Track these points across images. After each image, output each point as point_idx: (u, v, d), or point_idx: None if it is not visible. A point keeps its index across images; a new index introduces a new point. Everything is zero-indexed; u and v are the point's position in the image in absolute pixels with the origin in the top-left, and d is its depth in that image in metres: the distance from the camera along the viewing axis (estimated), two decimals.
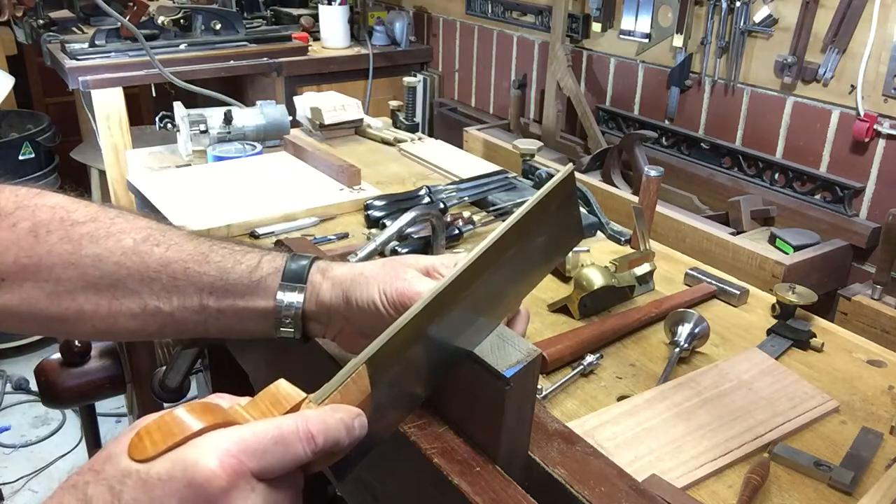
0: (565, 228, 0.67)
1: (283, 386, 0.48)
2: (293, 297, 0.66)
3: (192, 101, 2.14)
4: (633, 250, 1.29)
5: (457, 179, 1.59)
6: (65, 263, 0.64)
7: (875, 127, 1.59)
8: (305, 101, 1.93)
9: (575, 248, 1.23)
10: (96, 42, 2.47)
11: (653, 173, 1.27)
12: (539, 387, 0.92)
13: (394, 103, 2.03)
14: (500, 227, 0.57)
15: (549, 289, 1.21)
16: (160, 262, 0.66)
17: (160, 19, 2.64)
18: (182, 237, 0.69)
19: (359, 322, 0.64)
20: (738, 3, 1.79)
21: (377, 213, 1.40)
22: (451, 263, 0.66)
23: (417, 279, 0.62)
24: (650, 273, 1.21)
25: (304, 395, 0.48)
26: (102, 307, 0.66)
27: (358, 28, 3.00)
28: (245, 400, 0.48)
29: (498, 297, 0.62)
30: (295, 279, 0.66)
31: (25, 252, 0.64)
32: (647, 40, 2.05)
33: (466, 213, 1.40)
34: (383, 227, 1.31)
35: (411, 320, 0.52)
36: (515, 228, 0.58)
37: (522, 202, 1.45)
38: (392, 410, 0.57)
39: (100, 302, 0.65)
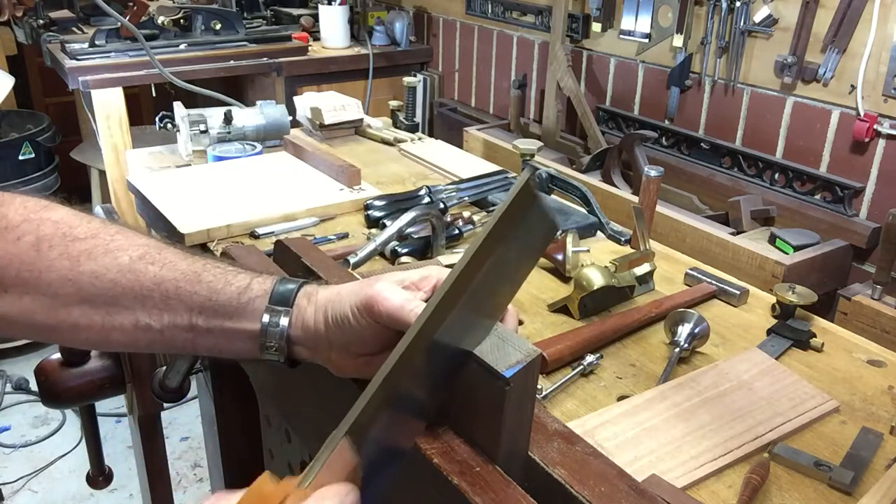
0: (534, 234, 0.65)
1: (266, 484, 0.47)
2: (278, 321, 0.66)
3: (192, 101, 2.14)
4: (633, 250, 1.29)
5: (457, 179, 1.59)
6: (63, 279, 0.65)
7: (875, 127, 1.59)
8: (305, 101, 1.93)
9: (575, 248, 1.23)
10: (96, 42, 2.48)
11: (653, 173, 1.27)
12: (539, 387, 0.92)
13: (394, 103, 2.03)
14: (461, 258, 0.56)
15: (549, 289, 1.21)
16: (154, 281, 0.67)
17: (160, 19, 2.64)
18: (177, 256, 0.69)
19: (338, 340, 0.65)
20: (738, 3, 1.79)
21: (377, 213, 1.40)
22: (427, 275, 0.66)
23: (387, 288, 0.62)
24: (650, 273, 1.21)
25: (287, 488, 0.46)
26: (96, 321, 0.67)
27: (358, 28, 3.00)
28: (235, 499, 0.47)
29: (480, 312, 0.61)
30: (281, 302, 0.67)
31: (27, 266, 0.65)
32: (647, 40, 2.05)
33: (466, 213, 1.40)
34: (383, 227, 1.31)
35: (390, 371, 0.51)
36: (479, 252, 0.57)
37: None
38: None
39: (94, 316, 0.67)
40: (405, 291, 0.62)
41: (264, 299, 0.67)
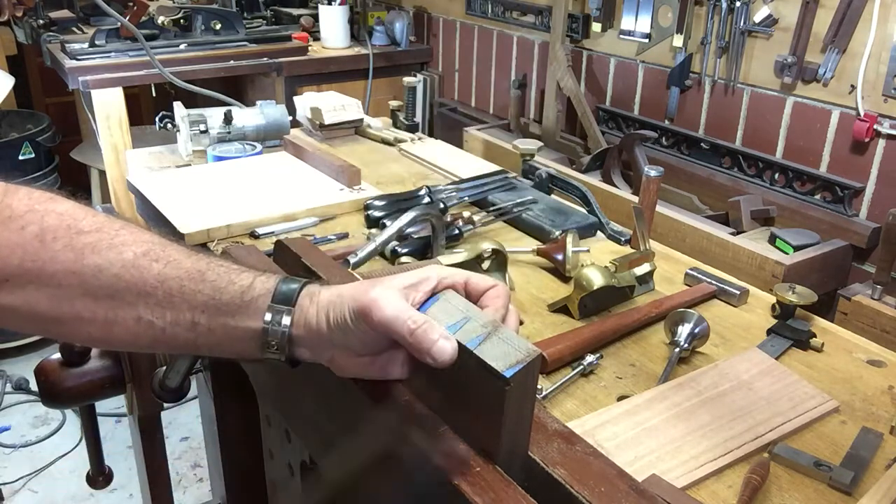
0: None
1: None
2: (280, 319, 0.66)
3: (192, 101, 2.14)
4: (633, 250, 1.29)
5: (457, 179, 1.59)
6: (66, 271, 0.65)
7: (875, 127, 1.59)
8: (305, 101, 1.93)
9: (575, 248, 1.23)
10: (96, 42, 2.48)
11: (653, 173, 1.27)
12: (539, 387, 0.92)
13: (394, 103, 2.03)
14: None
15: (549, 289, 1.21)
16: (157, 279, 0.67)
17: (160, 19, 2.64)
18: (182, 253, 0.69)
19: (339, 341, 0.65)
20: (738, 3, 1.79)
21: (377, 213, 1.40)
22: (426, 276, 0.65)
23: (384, 296, 0.62)
24: (650, 273, 1.21)
25: None
26: (99, 315, 0.67)
27: (358, 28, 3.00)
28: None
29: None
30: (284, 301, 0.67)
31: (30, 256, 0.65)
32: (647, 40, 2.05)
33: (466, 213, 1.40)
34: (383, 227, 1.31)
35: None
36: None
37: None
38: None
39: (97, 310, 0.67)
40: (401, 301, 0.62)
41: (267, 298, 0.67)
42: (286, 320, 0.66)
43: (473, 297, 0.67)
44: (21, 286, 0.65)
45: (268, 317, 0.66)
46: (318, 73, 2.77)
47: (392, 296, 0.62)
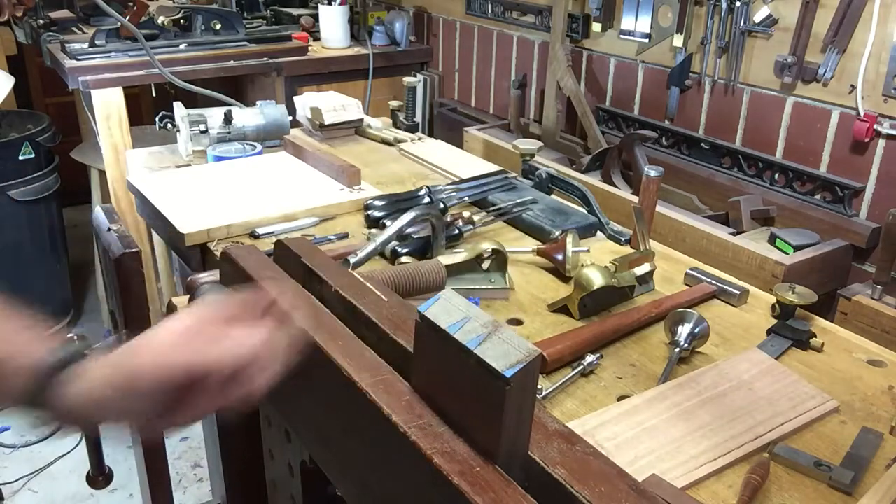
0: None
1: None
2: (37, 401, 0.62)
3: (192, 101, 2.14)
4: (633, 250, 1.29)
5: (457, 179, 1.59)
6: None
7: (875, 127, 1.59)
8: (305, 101, 1.93)
9: (575, 248, 1.23)
10: (96, 42, 2.47)
11: (653, 173, 1.27)
12: (539, 387, 0.92)
13: (394, 103, 2.03)
14: None
15: (549, 289, 1.21)
16: None
17: (160, 19, 2.64)
18: None
19: (147, 405, 0.63)
20: (738, 3, 1.79)
21: (377, 213, 1.40)
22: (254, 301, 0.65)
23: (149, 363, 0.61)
24: (650, 273, 1.21)
25: None
26: None
27: (358, 28, 3.00)
28: None
29: None
30: (40, 389, 0.62)
31: None
32: (647, 40, 2.05)
33: (466, 213, 1.40)
34: (383, 227, 1.31)
35: None
36: None
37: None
38: None
39: None
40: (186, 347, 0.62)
41: (24, 376, 0.62)
42: (45, 401, 0.62)
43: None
44: None
45: (26, 398, 0.62)
46: (318, 73, 2.77)
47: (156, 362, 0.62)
